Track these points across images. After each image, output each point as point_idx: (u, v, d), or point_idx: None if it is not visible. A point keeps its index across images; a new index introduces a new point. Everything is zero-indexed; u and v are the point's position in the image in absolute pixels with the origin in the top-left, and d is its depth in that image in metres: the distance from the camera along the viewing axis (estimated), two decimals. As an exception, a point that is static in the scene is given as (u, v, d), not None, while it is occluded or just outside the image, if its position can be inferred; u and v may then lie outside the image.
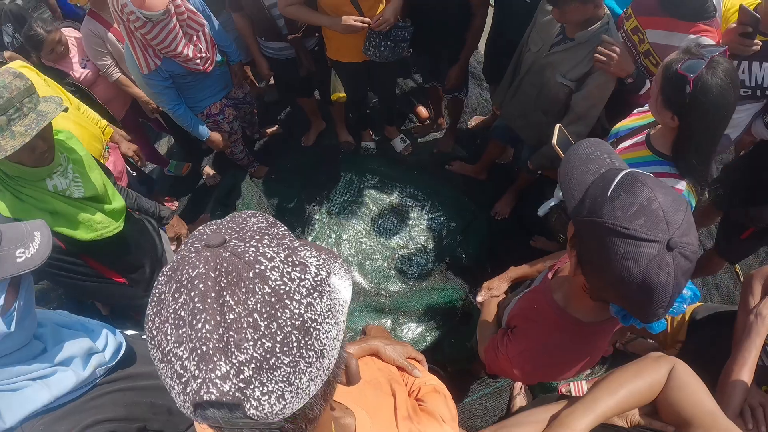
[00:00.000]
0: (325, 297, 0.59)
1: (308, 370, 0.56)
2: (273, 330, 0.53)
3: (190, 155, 4.12)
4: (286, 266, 0.57)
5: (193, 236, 0.60)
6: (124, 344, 1.46)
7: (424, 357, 1.38)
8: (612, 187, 1.00)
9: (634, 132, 1.88)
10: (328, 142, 4.03)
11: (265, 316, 0.53)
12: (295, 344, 0.55)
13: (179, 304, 0.54)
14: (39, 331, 1.31)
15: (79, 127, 2.47)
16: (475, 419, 2.69)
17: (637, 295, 0.96)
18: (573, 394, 2.68)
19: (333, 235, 3.45)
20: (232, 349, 0.52)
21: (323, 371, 0.59)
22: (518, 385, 2.76)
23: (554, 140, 1.73)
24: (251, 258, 0.56)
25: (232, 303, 0.53)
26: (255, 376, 0.53)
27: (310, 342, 0.56)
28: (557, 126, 1.77)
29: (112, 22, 2.96)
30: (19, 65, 2.42)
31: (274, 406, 0.54)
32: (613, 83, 2.20)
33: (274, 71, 3.36)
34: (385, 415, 1.00)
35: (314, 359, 0.57)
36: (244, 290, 0.54)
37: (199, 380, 0.52)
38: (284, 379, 0.54)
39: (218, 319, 0.52)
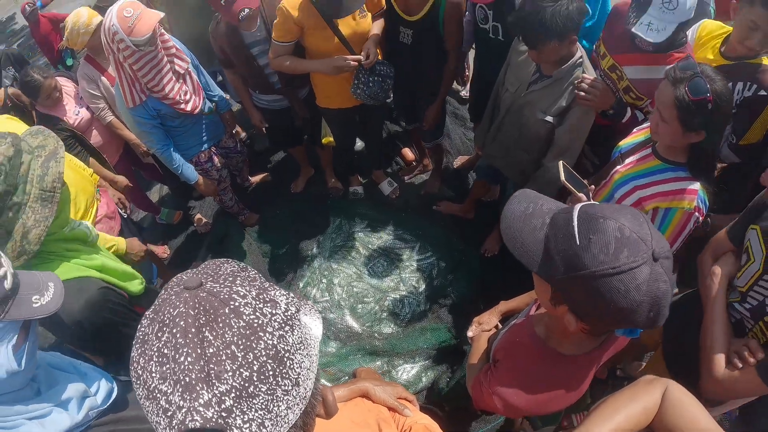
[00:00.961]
0: (296, 330, 0.64)
1: (285, 398, 0.60)
2: (249, 360, 0.57)
3: (182, 203, 4.15)
4: (258, 302, 0.62)
5: (172, 282, 0.65)
6: (115, 389, 1.49)
7: (418, 397, 1.38)
8: (576, 235, 1.01)
9: (637, 146, 1.98)
10: (317, 188, 4.07)
11: (241, 347, 0.58)
12: (270, 372, 0.58)
13: (162, 342, 0.58)
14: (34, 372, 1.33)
15: (71, 170, 2.50)
16: (477, 458, 2.63)
17: (649, 313, 0.98)
18: (575, 424, 2.63)
19: (324, 280, 3.45)
20: (213, 381, 0.56)
21: (300, 400, 0.62)
22: (519, 419, 2.70)
23: (562, 177, 1.81)
24: (226, 296, 0.61)
25: (211, 338, 0.57)
26: (236, 404, 0.56)
27: (284, 370, 0.60)
28: (560, 163, 1.83)
29: (106, 66, 3.14)
30: (5, 118, 2.52)
31: None
32: (594, 115, 2.27)
33: (268, 121, 3.41)
34: None
35: (290, 387, 0.60)
36: (221, 325, 0.58)
37: (184, 410, 0.55)
38: (263, 406, 0.58)
39: (199, 352, 0.56)
